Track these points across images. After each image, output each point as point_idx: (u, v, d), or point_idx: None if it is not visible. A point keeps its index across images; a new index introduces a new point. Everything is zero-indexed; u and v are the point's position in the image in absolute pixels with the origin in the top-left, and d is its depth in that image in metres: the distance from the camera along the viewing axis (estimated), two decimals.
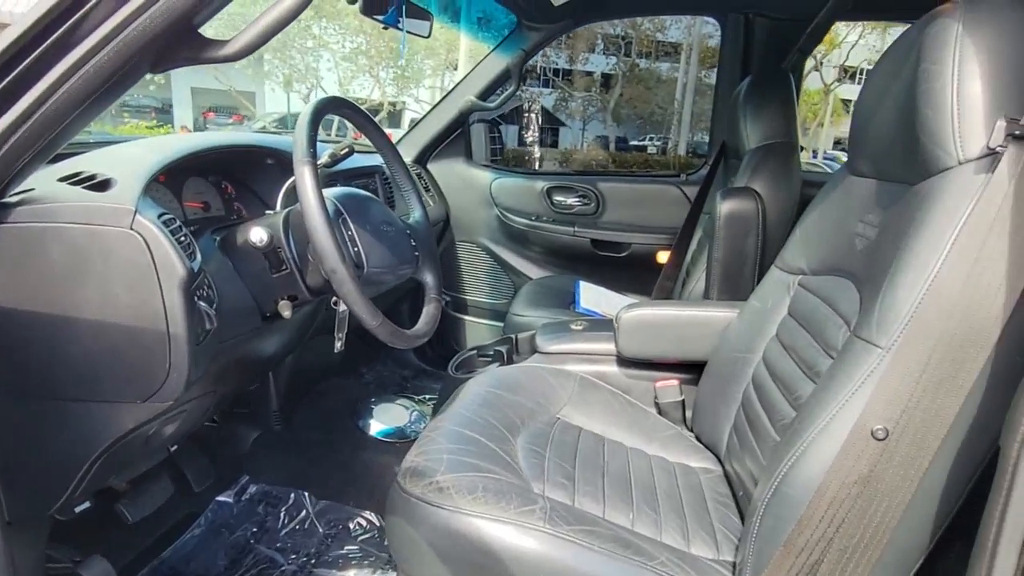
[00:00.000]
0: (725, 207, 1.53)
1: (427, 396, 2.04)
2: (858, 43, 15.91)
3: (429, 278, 1.20)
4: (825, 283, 0.99)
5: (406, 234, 1.17)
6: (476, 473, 0.91)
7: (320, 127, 1.02)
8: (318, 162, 0.96)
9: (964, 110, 0.70)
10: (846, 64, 17.16)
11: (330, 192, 1.08)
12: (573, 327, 1.48)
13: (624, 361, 1.36)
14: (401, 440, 1.69)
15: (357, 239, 1.05)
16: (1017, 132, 0.65)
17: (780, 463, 0.77)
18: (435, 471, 0.90)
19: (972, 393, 0.66)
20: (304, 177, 0.93)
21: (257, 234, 1.07)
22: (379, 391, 2.02)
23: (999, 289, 0.64)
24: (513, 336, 1.60)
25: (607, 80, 18.95)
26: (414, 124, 2.24)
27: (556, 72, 18.52)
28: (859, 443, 0.69)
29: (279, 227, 1.08)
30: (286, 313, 1.11)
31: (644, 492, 1.01)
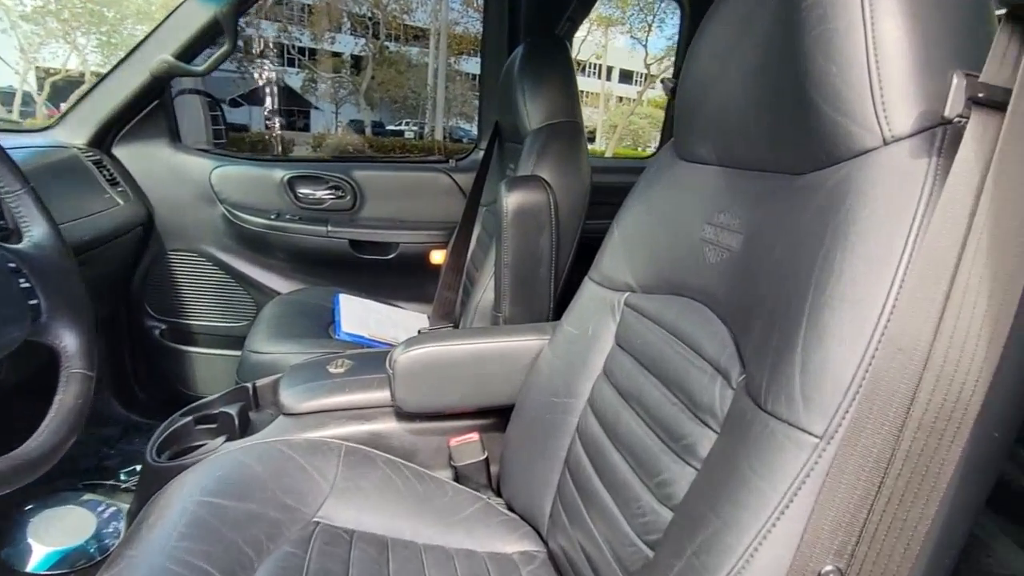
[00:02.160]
0: (512, 200, 1.25)
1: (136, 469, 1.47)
2: (586, 39, 17.36)
3: (67, 339, 0.71)
4: (667, 306, 0.74)
5: (7, 270, 0.67)
6: None
7: None
8: None
9: (888, 66, 0.47)
10: (577, 58, 18.65)
11: None
12: (332, 368, 1.09)
13: (406, 414, 1.01)
14: (80, 569, 1.13)
15: None
16: (981, 95, 0.43)
17: None
18: None
19: (946, 492, 0.43)
20: None
21: None
22: (52, 479, 1.40)
23: (981, 331, 0.41)
24: (250, 385, 1.15)
25: (358, 62, 18.16)
26: (83, 94, 1.60)
27: (302, 51, 17.24)
28: None
29: None
30: None
31: None
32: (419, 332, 1.45)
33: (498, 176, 1.68)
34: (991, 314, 0.41)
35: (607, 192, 1.37)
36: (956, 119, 0.43)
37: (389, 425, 1.01)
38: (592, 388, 0.84)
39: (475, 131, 2.21)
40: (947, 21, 0.48)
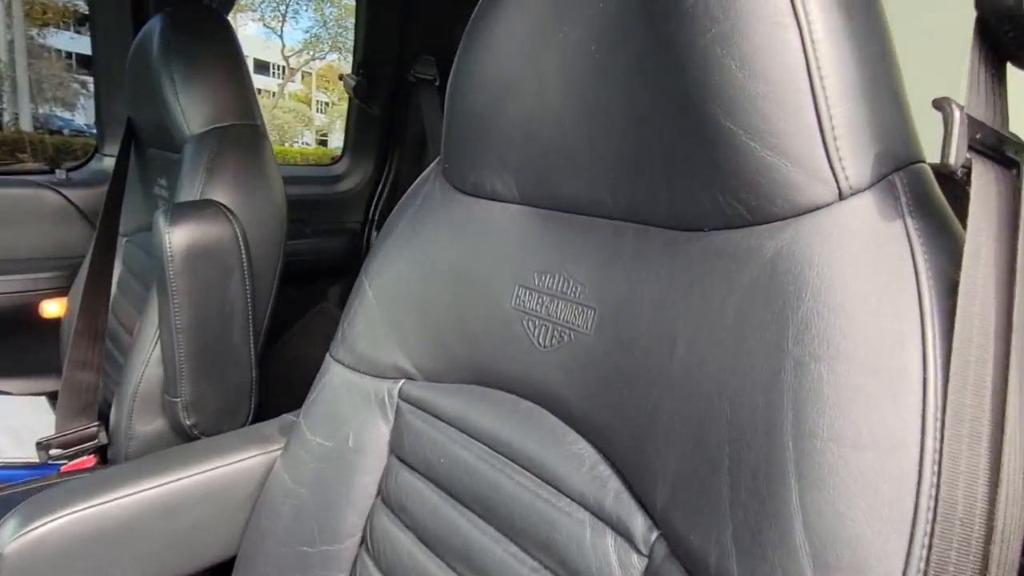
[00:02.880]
0: (180, 237, 0.87)
1: None
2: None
3: None
4: (473, 402, 0.53)
5: None
6: None
7: None
8: None
9: (838, 84, 0.33)
10: None
11: None
12: None
13: None
14: None
15: None
16: (979, 136, 0.31)
17: None
18: None
19: None
20: None
21: None
22: None
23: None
24: None
25: None
26: None
27: None
28: None
29: None
30: None
31: None
32: (39, 448, 0.96)
33: (142, 195, 1.22)
34: None
35: (293, 207, 1.08)
36: (959, 171, 0.31)
37: None
38: (366, 526, 0.58)
39: (79, 120, 1.62)
40: (882, 30, 0.36)
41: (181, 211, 0.89)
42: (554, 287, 0.48)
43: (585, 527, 0.42)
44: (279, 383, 1.29)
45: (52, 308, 1.34)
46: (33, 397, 1.22)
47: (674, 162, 0.39)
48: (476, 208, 0.56)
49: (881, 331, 0.31)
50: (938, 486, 0.29)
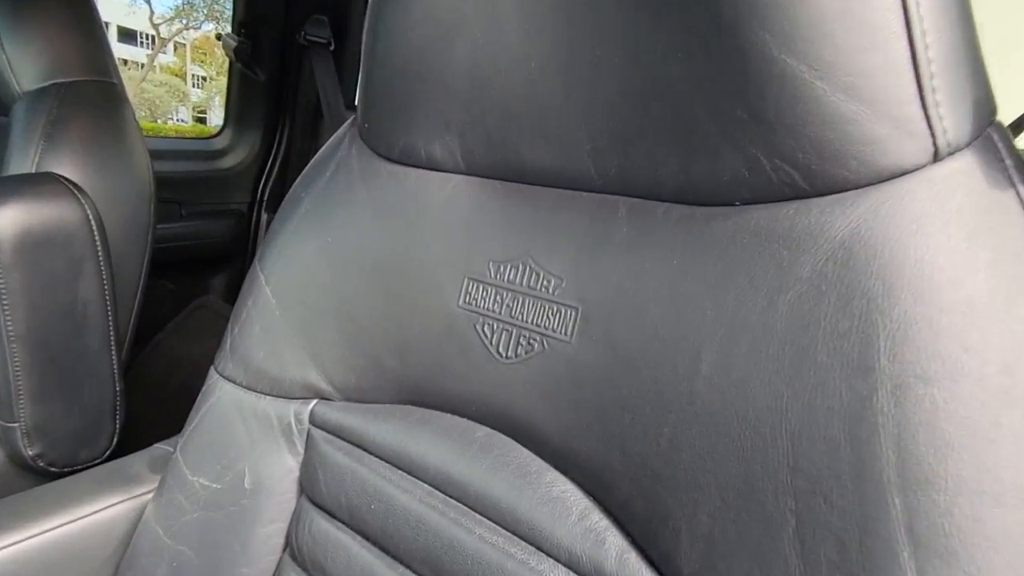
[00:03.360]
0: (7, 221, 0.68)
1: None
2: None
3: None
4: (412, 428, 0.41)
5: None
6: None
7: None
8: None
9: (938, 19, 0.25)
10: None
11: None
12: None
13: None
14: None
15: None
16: None
17: None
18: None
19: None
20: None
21: None
22: None
23: None
24: None
25: None
26: None
27: None
28: None
29: None
30: None
31: None
32: None
33: None
34: None
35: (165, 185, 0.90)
36: None
37: None
38: None
39: None
40: None
41: (10, 187, 0.70)
42: (518, 280, 0.37)
43: None
44: (152, 395, 1.10)
45: None
46: None
47: (692, 114, 0.30)
48: (408, 180, 0.44)
49: (1016, 341, 0.23)
50: None
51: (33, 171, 0.75)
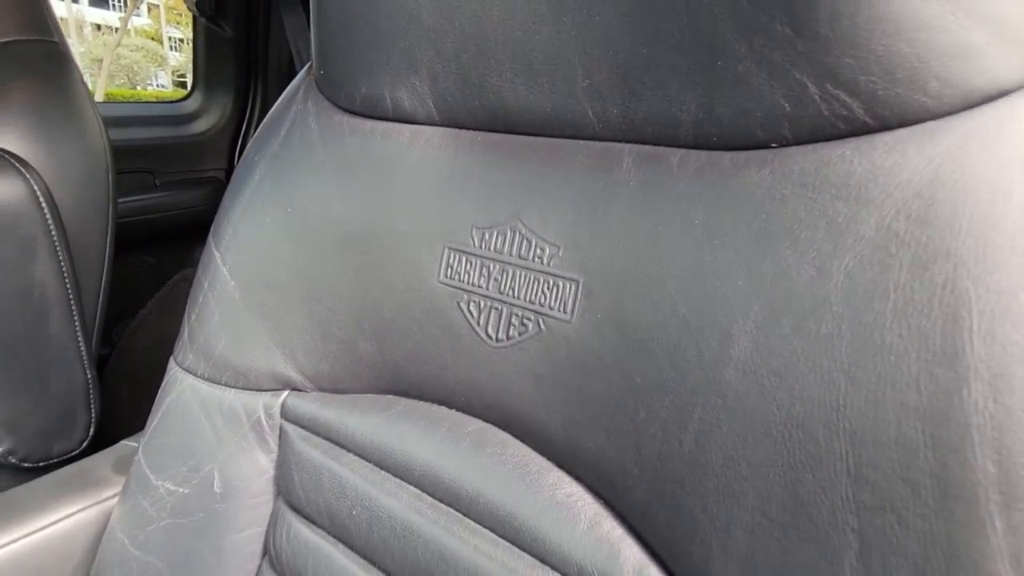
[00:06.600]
0: None
1: None
2: None
3: None
4: (394, 421, 0.36)
5: None
6: None
7: None
8: None
9: None
10: None
11: None
12: None
13: None
14: None
15: None
16: None
17: None
18: None
19: None
20: None
21: None
22: None
23: None
24: None
25: None
26: None
27: None
28: None
29: None
30: None
31: None
32: None
33: None
34: None
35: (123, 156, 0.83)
36: None
37: None
38: None
39: None
40: None
41: None
42: (506, 249, 0.32)
43: None
44: (139, 376, 1.05)
45: None
46: None
47: (716, 33, 0.23)
48: (374, 136, 0.37)
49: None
50: None
51: None
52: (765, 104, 0.23)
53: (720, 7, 0.23)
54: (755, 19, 0.22)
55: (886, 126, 0.21)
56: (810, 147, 0.23)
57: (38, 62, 0.75)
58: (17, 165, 0.66)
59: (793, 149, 0.23)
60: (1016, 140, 0.19)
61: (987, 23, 0.19)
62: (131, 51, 15.53)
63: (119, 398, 0.93)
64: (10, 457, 0.70)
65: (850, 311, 0.21)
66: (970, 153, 0.20)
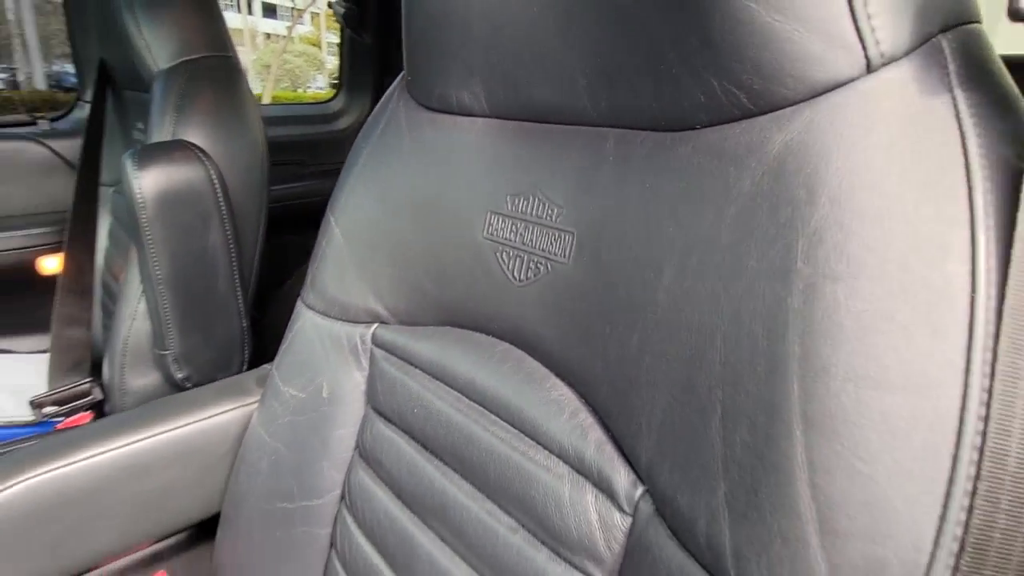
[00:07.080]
0: (149, 182, 0.81)
1: None
2: None
3: None
4: (446, 345, 0.47)
5: None
6: None
7: None
8: None
9: None
10: None
11: None
12: None
13: None
14: None
15: None
16: None
17: None
18: None
19: None
20: None
21: None
22: None
23: None
24: None
25: None
26: None
27: None
28: None
29: None
30: None
31: None
32: (32, 407, 0.94)
33: (122, 141, 1.17)
34: None
35: (280, 149, 1.01)
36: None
37: None
38: (346, 481, 0.54)
39: None
40: None
41: (149, 153, 0.83)
42: (528, 211, 0.42)
43: (564, 483, 0.36)
44: (282, 331, 1.25)
45: (50, 264, 1.31)
46: (36, 355, 1.21)
47: (660, 46, 0.32)
48: (443, 125, 0.49)
49: (918, 241, 0.24)
50: (984, 434, 0.22)
51: (170, 139, 0.88)
52: (690, 96, 0.31)
53: (662, 27, 0.31)
54: (681, 34, 0.30)
55: (761, 111, 0.29)
56: (716, 128, 0.30)
57: (218, 73, 0.95)
58: (200, 156, 0.86)
59: (707, 130, 0.31)
60: (840, 120, 0.26)
61: (822, 35, 0.26)
62: (294, 56, 17.09)
63: (267, 343, 1.12)
64: (187, 382, 0.90)
65: (732, 246, 0.29)
66: (811, 130, 0.27)
